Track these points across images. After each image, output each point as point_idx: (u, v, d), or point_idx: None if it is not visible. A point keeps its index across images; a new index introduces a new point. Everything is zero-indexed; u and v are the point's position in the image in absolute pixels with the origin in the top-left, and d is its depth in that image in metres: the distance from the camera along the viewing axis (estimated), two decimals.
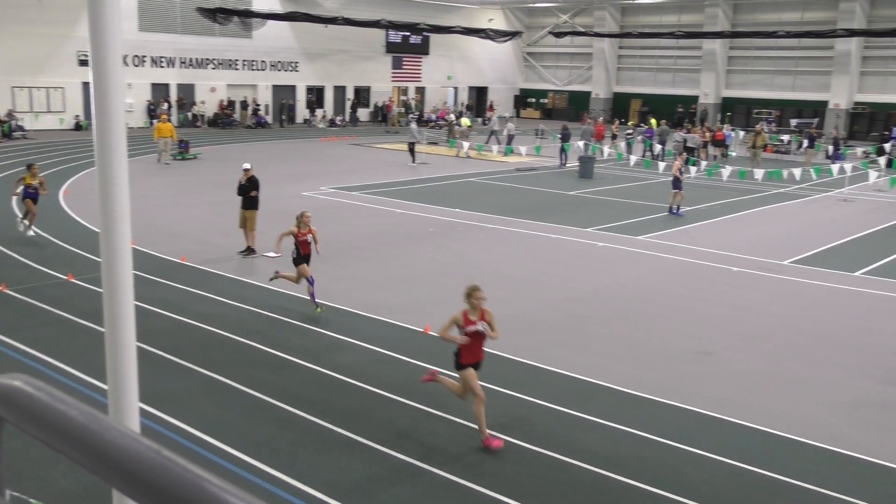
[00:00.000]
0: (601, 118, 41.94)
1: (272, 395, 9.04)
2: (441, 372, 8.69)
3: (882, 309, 13.30)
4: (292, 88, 48.28)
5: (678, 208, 21.43)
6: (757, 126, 37.76)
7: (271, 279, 12.76)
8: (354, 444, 7.96)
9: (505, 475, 7.47)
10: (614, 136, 36.19)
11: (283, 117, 46.66)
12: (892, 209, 23.51)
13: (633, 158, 31.28)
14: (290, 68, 47.89)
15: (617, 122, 39.20)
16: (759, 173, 26.80)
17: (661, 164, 29.03)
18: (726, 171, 26.84)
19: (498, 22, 57.88)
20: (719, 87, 53.80)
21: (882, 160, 31.36)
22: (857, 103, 48.62)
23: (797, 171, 26.41)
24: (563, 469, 7.63)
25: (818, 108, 48.63)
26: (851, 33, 44.66)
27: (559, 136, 32.93)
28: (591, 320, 12.28)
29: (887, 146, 35.84)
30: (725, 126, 41.20)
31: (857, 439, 8.40)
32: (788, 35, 45.38)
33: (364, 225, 19.02)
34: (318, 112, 48.75)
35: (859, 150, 36.48)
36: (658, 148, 34.10)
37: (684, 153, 27.02)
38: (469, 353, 7.97)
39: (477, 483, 7.28)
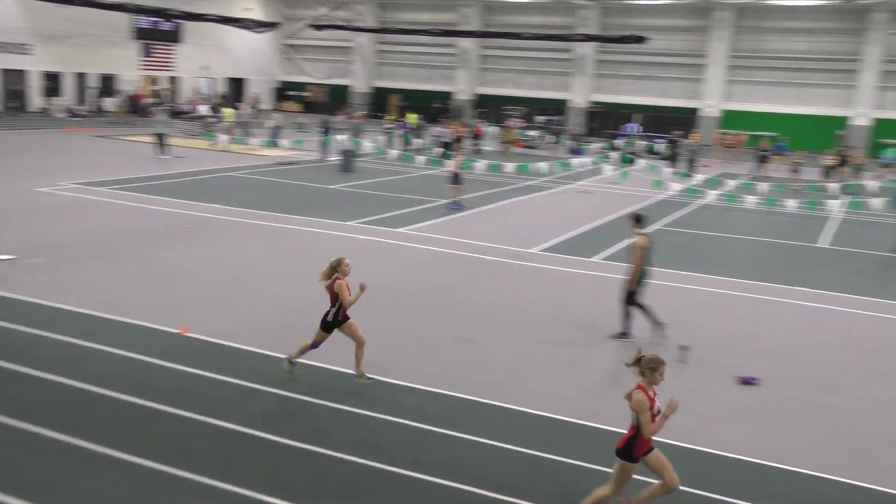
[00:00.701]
0: (361, 112, 42.41)
1: (6, 413, 8.13)
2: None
3: (616, 289, 14.63)
4: (24, 73, 43.81)
5: (456, 202, 22.30)
6: (507, 122, 40.11)
7: (286, 368, 9.61)
8: (107, 458, 7.39)
9: (261, 471, 7.31)
10: (387, 131, 36.77)
11: (14, 105, 42.20)
12: (624, 200, 26.01)
13: (394, 153, 31.93)
14: (22, 51, 43.39)
15: (387, 116, 39.86)
16: (509, 167, 28.46)
17: (420, 158, 29.93)
18: (480, 165, 28.21)
19: (255, 12, 56.42)
20: (473, 84, 56.42)
21: (615, 155, 34.57)
22: (594, 103, 53.25)
23: (543, 165, 28.39)
24: (343, 464, 7.61)
25: (561, 107, 52.67)
26: (587, 38, 48.96)
27: (321, 129, 32.83)
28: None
29: (619, 142, 39.63)
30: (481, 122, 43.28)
31: (601, 412, 9.19)
32: (534, 37, 48.80)
33: (114, 223, 17.72)
34: (57, 100, 44.67)
35: (596, 146, 39.96)
36: (417, 142, 35.15)
37: (462, 148, 28.17)
38: (645, 440, 6.46)
39: (240, 486, 7.06)
